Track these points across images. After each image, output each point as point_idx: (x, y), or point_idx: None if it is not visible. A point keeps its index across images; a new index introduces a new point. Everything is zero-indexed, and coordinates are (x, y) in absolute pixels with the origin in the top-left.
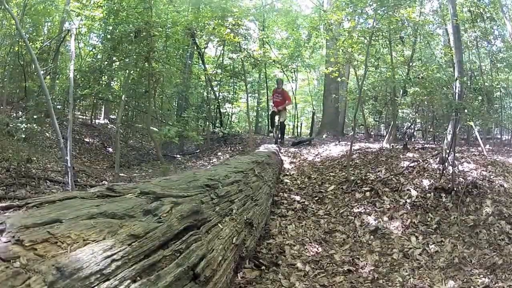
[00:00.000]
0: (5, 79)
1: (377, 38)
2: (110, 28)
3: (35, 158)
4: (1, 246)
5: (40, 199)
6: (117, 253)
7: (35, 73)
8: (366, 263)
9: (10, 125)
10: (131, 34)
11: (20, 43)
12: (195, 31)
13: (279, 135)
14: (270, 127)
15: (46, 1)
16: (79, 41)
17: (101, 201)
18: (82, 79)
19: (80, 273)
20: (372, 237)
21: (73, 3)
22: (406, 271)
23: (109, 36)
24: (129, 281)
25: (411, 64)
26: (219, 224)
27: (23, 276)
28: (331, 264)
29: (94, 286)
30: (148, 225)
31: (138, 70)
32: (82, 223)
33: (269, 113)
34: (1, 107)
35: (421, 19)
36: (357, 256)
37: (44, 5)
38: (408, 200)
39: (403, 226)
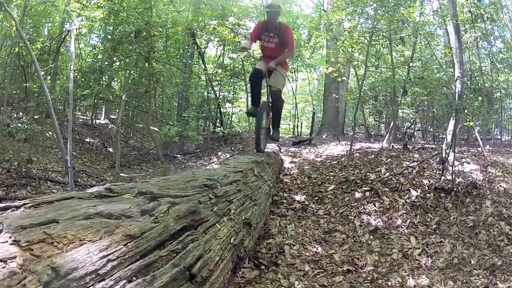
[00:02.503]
0: (6, 80)
1: (377, 38)
2: (111, 28)
3: (35, 159)
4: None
5: (37, 200)
6: (112, 253)
7: (36, 74)
8: (366, 263)
9: (11, 126)
10: (131, 34)
11: (20, 44)
12: (195, 31)
13: (269, 124)
14: (249, 102)
15: (46, 2)
16: (80, 42)
17: (98, 201)
18: (83, 79)
19: (76, 273)
20: (371, 237)
21: (74, 4)
22: (406, 272)
23: (109, 37)
24: (124, 281)
25: (411, 64)
26: (216, 224)
27: (19, 276)
28: (330, 264)
29: (89, 286)
30: (144, 225)
31: (138, 70)
32: (78, 224)
33: (251, 73)
34: (2, 108)
35: (421, 19)
36: (357, 256)
37: (44, 6)
38: (408, 200)
39: (403, 226)
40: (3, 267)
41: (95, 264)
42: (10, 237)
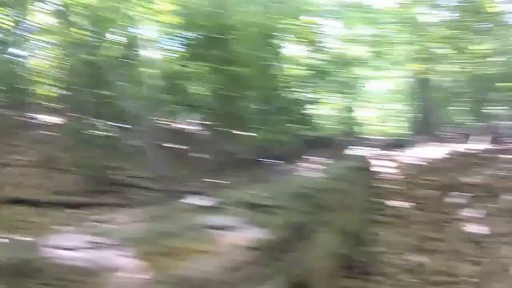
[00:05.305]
0: (80, 87)
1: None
2: (187, 32)
3: (120, 165)
4: (125, 259)
5: (149, 211)
6: (223, 264)
7: (112, 80)
8: (464, 273)
9: (91, 132)
10: (209, 39)
11: (90, 50)
12: (272, 32)
13: None
14: None
15: (111, 8)
16: (155, 47)
17: (204, 212)
18: (164, 84)
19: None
20: (471, 245)
21: (141, 8)
22: (506, 285)
23: (186, 42)
24: None
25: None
26: (317, 234)
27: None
28: (430, 273)
29: None
30: (251, 236)
31: (221, 74)
32: (192, 235)
33: None
34: (79, 115)
35: None
36: (458, 266)
37: (110, 12)
38: None
39: (507, 235)
40: (133, 278)
41: (214, 275)
42: (134, 250)
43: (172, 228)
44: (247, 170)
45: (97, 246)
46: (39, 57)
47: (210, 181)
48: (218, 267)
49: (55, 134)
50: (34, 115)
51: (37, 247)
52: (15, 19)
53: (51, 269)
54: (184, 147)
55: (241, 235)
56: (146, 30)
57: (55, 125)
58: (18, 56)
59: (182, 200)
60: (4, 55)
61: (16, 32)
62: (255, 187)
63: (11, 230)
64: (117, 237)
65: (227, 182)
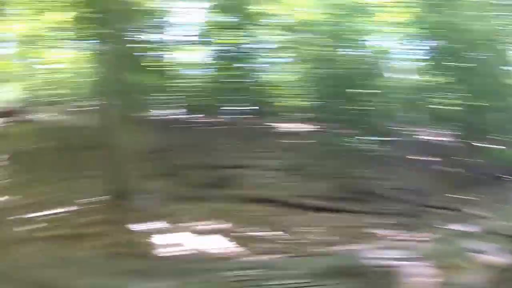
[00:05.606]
0: (325, 99)
1: None
2: (425, 43)
3: (367, 175)
4: (421, 268)
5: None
6: (483, 279)
7: (359, 92)
8: None
9: (339, 141)
10: (448, 49)
11: (332, 64)
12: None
13: None
14: None
15: (344, 23)
16: (395, 59)
17: (468, 237)
18: (410, 95)
19: None
20: None
21: (374, 21)
22: None
23: (426, 52)
24: None
25: None
26: None
27: None
28: None
29: None
30: (499, 260)
31: (465, 84)
32: (462, 255)
33: None
34: (326, 125)
35: None
36: None
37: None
38: None
39: None
40: (427, 282)
41: (478, 285)
42: (427, 262)
43: (449, 249)
44: (491, 187)
45: (404, 258)
46: (280, 71)
47: (455, 197)
48: (479, 281)
49: (300, 141)
50: (278, 124)
51: (359, 256)
52: (252, 38)
53: (372, 272)
54: (431, 159)
55: (494, 259)
56: (384, 42)
57: (299, 133)
58: (261, 70)
59: (449, 227)
60: (248, 71)
61: (255, 49)
62: (504, 214)
63: (262, 225)
64: (415, 253)
65: (473, 199)
